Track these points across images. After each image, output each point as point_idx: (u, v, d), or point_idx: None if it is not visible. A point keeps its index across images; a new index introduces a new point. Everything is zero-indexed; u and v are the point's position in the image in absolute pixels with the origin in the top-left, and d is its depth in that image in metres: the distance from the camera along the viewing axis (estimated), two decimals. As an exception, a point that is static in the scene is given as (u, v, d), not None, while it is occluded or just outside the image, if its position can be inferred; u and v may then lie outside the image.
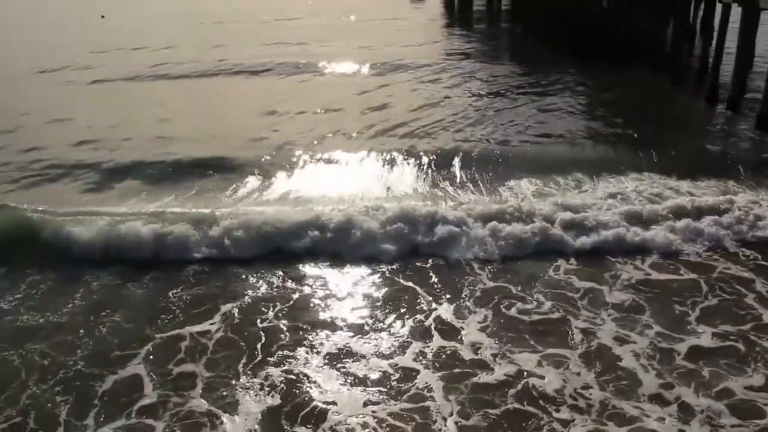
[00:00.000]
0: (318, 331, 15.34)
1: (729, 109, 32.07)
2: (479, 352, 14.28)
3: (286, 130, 31.31)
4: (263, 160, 26.63)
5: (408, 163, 26.36)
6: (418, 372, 13.71)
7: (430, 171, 25.57)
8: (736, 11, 32.46)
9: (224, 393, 13.26)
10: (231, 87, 42.26)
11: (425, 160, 26.54)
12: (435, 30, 67.71)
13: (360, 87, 39.95)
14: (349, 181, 24.69)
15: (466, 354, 14.23)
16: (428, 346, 14.58)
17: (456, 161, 26.12)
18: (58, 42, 66.37)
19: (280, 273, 18.02)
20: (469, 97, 36.58)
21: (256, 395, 13.14)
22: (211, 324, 15.65)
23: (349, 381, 13.53)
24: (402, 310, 16.04)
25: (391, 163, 26.49)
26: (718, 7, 36.67)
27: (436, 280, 17.46)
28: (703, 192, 22.17)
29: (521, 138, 29.20)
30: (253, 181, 24.46)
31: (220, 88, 42.20)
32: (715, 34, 36.06)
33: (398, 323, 15.52)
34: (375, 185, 24.22)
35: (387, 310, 16.08)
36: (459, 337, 14.89)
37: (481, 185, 23.69)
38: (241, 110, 36.13)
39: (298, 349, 14.67)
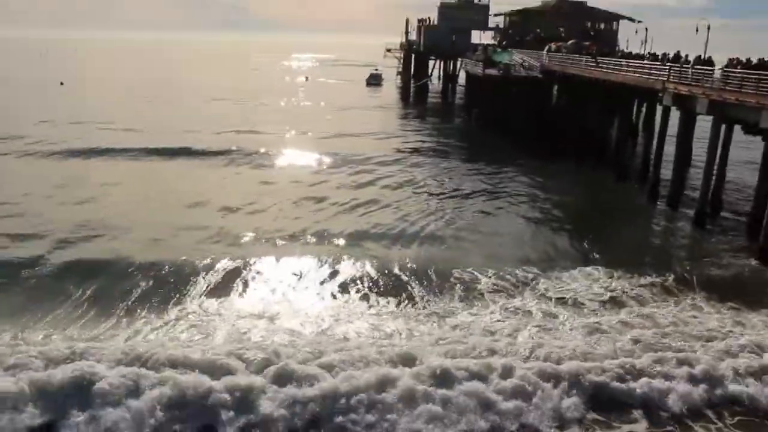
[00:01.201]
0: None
1: (669, 206, 33.24)
2: None
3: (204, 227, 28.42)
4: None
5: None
6: None
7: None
8: (675, 113, 34.30)
9: None
10: (161, 171, 40.05)
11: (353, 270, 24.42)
12: (390, 120, 68.08)
13: (303, 183, 37.45)
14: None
15: None
16: None
17: (397, 266, 24.35)
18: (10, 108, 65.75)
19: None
20: (417, 195, 35.50)
21: None
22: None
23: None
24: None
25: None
26: (659, 109, 38.56)
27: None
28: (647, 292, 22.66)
29: (469, 233, 29.12)
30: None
31: (151, 171, 40.27)
32: (656, 134, 37.88)
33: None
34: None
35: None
36: None
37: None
38: (160, 201, 32.87)
39: None
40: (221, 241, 26.43)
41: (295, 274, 23.28)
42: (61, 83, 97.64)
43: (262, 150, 46.28)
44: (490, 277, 23.24)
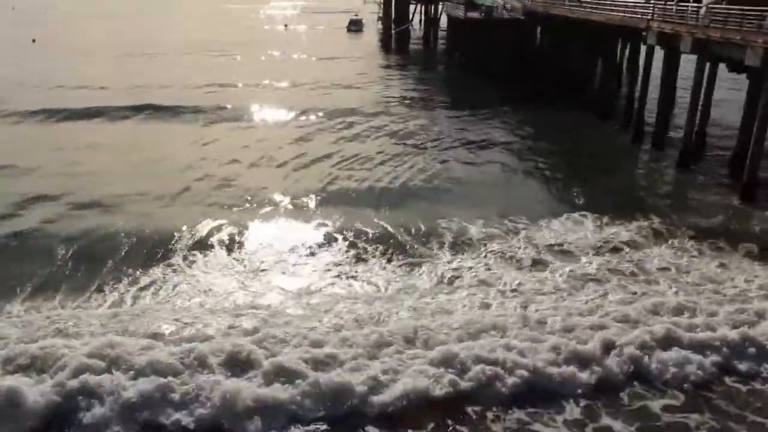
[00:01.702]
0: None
1: (654, 147, 33.18)
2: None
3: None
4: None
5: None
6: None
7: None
8: (659, 53, 33.97)
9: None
10: (152, 132, 38.74)
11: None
12: (373, 68, 65.86)
13: (286, 138, 36.54)
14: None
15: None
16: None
17: (385, 203, 25.54)
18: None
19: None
20: (399, 146, 34.74)
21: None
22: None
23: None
24: None
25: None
26: (643, 49, 38.17)
27: None
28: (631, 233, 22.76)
29: (460, 178, 29.32)
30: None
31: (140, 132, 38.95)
32: (640, 74, 37.53)
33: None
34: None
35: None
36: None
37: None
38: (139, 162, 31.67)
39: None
40: (201, 203, 25.95)
41: (279, 237, 22.74)
42: (33, 40, 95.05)
43: (240, 106, 44.71)
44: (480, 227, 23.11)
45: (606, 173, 29.89)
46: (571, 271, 19.89)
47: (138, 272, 19.69)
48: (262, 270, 20.07)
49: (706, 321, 16.81)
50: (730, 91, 40.84)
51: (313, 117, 41.78)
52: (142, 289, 18.80)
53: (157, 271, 19.80)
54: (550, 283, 19.16)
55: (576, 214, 24.26)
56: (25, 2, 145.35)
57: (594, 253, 21.22)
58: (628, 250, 21.44)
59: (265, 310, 17.47)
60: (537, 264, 20.44)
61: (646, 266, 20.33)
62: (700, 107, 31.33)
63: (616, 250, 21.44)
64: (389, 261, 20.66)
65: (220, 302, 18.09)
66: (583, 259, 20.74)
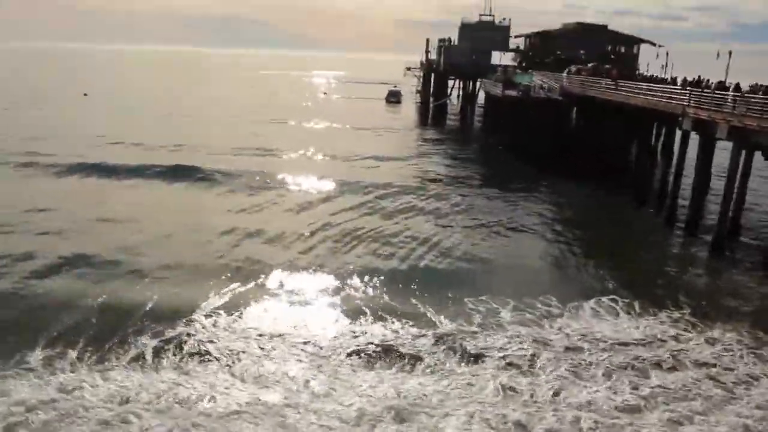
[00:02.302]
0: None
1: (686, 232, 33.02)
2: None
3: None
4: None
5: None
6: None
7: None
8: (694, 138, 34.22)
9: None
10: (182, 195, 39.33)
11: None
12: (410, 142, 66.11)
13: (317, 211, 35.95)
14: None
15: None
16: None
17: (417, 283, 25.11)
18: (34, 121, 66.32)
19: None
20: (433, 220, 34.75)
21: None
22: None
23: None
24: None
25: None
26: (678, 134, 38.45)
27: None
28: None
29: (491, 257, 29.12)
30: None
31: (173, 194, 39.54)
32: (675, 158, 37.75)
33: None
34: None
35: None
36: None
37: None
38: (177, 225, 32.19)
39: None
40: (232, 265, 26.37)
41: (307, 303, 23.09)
42: (85, 94, 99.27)
43: (274, 175, 43.93)
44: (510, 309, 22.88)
45: (638, 256, 29.83)
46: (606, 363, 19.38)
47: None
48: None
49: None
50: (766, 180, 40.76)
51: (346, 190, 40.67)
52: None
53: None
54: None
55: (606, 299, 23.87)
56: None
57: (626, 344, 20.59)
58: (663, 341, 20.82)
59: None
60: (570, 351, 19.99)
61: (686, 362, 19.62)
62: (735, 194, 31.33)
63: (649, 342, 20.75)
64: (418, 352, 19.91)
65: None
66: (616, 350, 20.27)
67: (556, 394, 17.43)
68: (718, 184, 34.75)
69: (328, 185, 41.75)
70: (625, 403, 17.13)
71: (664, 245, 32.99)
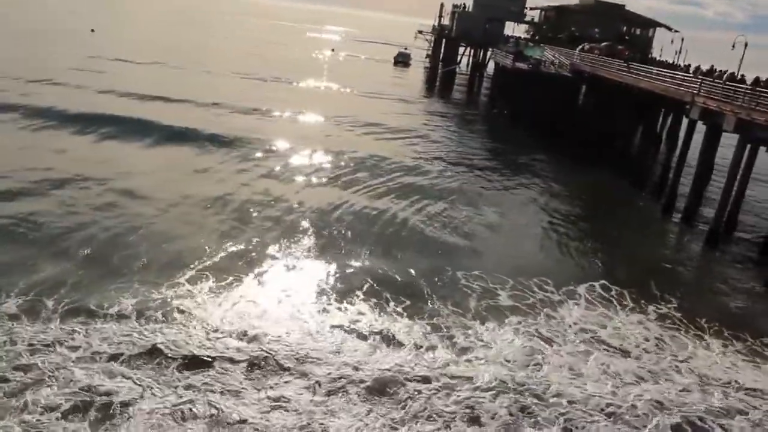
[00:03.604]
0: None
1: (683, 221, 32.89)
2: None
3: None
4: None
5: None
6: None
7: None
8: (700, 127, 33.89)
9: None
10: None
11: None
12: (415, 108, 63.44)
13: (318, 183, 33.33)
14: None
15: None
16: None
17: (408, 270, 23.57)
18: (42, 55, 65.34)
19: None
20: (433, 192, 33.44)
21: None
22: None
23: None
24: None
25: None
26: (685, 121, 38.11)
27: None
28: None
29: (487, 231, 28.73)
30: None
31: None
32: (679, 146, 37.44)
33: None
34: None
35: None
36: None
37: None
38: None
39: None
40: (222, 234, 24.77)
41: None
42: (92, 30, 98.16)
43: (270, 141, 39.78)
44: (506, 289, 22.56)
45: (633, 242, 29.62)
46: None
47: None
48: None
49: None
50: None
51: (344, 160, 37.47)
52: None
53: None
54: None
55: (598, 285, 23.70)
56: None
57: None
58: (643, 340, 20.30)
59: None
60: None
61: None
62: (735, 187, 31.13)
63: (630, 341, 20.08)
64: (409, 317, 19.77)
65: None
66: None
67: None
68: (720, 177, 34.45)
69: (322, 156, 37.99)
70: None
71: (660, 233, 32.89)
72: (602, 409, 16.21)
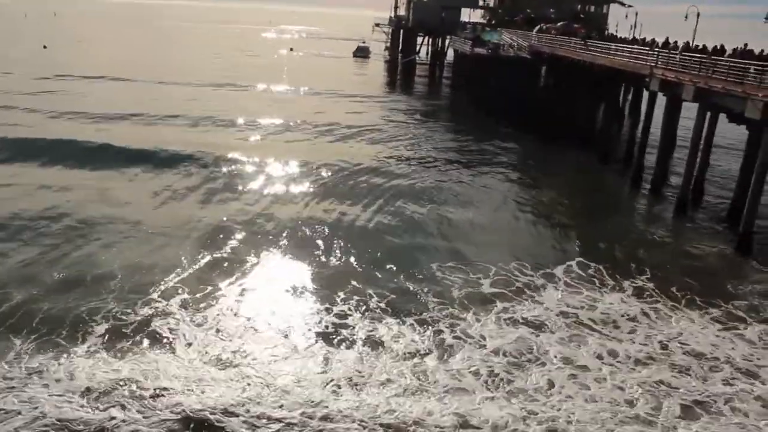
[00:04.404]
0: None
1: (652, 192, 33.42)
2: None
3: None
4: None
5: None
6: None
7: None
8: (661, 99, 34.40)
9: None
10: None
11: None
12: (374, 107, 60.53)
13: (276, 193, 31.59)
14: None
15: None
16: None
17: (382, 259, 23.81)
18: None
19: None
20: (400, 184, 33.46)
21: None
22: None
23: None
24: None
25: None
26: (645, 94, 38.64)
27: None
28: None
29: (458, 219, 28.83)
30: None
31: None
32: (642, 119, 37.98)
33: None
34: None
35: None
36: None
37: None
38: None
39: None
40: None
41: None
42: (44, 47, 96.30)
43: (229, 155, 37.05)
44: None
45: (604, 218, 30.06)
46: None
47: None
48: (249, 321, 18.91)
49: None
50: (731, 140, 41.31)
51: (308, 167, 35.74)
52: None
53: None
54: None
55: (575, 264, 23.96)
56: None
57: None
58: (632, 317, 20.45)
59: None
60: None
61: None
62: (699, 155, 31.68)
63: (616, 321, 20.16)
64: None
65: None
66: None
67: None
68: (685, 148, 34.92)
69: (288, 165, 36.09)
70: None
71: (629, 206, 33.50)
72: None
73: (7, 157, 34.47)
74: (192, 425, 14.37)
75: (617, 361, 17.73)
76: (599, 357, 17.89)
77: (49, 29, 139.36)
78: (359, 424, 14.54)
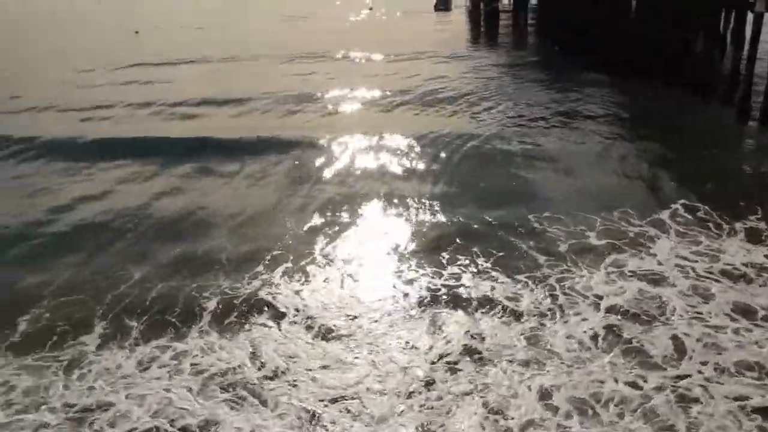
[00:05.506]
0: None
1: (761, 124, 30.86)
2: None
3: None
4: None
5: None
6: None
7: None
8: None
9: None
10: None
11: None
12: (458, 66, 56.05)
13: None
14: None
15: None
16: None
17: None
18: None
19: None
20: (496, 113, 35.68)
21: None
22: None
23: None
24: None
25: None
26: (750, 17, 35.53)
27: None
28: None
29: (552, 164, 27.95)
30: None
31: None
32: (746, 46, 34.94)
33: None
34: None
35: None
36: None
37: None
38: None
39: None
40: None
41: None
42: (136, 32, 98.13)
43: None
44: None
45: (711, 157, 27.89)
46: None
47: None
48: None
49: None
50: None
51: (402, 142, 33.09)
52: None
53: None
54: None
55: (680, 207, 22.31)
56: None
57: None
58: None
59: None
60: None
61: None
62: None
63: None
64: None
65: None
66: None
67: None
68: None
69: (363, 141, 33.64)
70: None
71: (737, 142, 30.97)
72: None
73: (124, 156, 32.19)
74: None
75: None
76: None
77: (127, 14, 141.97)
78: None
